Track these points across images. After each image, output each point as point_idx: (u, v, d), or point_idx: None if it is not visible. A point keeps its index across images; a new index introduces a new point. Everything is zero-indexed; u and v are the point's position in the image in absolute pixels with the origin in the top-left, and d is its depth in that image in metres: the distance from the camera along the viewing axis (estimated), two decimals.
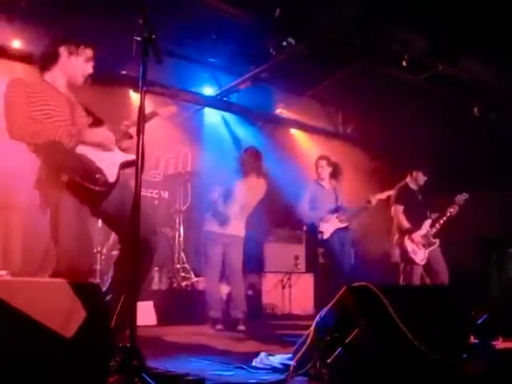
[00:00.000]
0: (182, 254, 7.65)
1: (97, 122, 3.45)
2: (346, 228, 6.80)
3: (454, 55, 6.84)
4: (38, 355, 1.79)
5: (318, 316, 2.89)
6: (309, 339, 2.84)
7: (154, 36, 2.49)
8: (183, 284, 7.42)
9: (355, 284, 2.88)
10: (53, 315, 1.84)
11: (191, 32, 6.74)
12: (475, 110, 7.95)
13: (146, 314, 6.08)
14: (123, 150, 3.43)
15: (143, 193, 8.35)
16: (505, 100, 7.56)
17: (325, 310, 2.89)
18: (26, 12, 6.06)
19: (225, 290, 6.45)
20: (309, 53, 6.56)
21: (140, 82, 2.54)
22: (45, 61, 3.45)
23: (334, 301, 2.86)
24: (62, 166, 3.09)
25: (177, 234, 7.71)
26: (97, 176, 3.14)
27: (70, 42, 3.42)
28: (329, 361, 2.68)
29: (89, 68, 3.49)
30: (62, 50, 3.40)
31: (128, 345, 2.32)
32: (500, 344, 3.17)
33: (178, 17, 6.34)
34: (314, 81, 8.19)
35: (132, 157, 3.36)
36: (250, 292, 7.70)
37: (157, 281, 7.02)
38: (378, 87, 7.55)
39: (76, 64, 3.43)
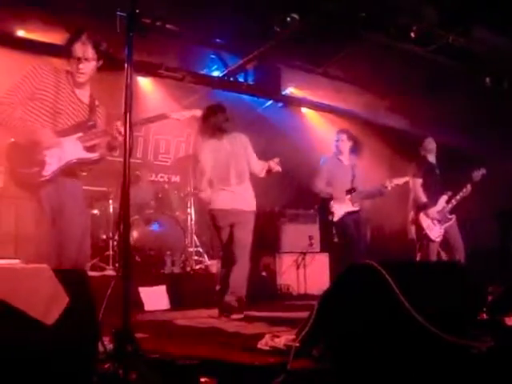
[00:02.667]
0: (195, 237, 7.61)
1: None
2: (357, 211, 6.64)
3: (465, 25, 6.67)
4: (16, 343, 1.74)
5: (321, 296, 2.81)
6: (311, 320, 2.76)
7: (137, 11, 2.41)
8: (196, 267, 7.38)
9: (358, 262, 2.79)
10: (33, 302, 1.78)
11: (194, 12, 6.62)
12: (487, 80, 7.75)
13: (158, 298, 6.07)
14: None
15: (153, 177, 8.32)
16: None
17: (327, 289, 2.81)
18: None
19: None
20: (315, 28, 6.41)
21: (126, 60, 2.46)
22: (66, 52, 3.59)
23: (336, 280, 2.77)
24: (11, 155, 3.44)
25: (189, 217, 7.65)
26: (34, 169, 3.40)
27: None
28: (332, 343, 2.61)
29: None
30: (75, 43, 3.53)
31: (122, 330, 2.28)
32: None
33: None
34: (322, 58, 8.02)
35: (91, 155, 3.62)
36: (263, 273, 7.68)
37: (169, 265, 6.96)
38: (388, 60, 7.38)
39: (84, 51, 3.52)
